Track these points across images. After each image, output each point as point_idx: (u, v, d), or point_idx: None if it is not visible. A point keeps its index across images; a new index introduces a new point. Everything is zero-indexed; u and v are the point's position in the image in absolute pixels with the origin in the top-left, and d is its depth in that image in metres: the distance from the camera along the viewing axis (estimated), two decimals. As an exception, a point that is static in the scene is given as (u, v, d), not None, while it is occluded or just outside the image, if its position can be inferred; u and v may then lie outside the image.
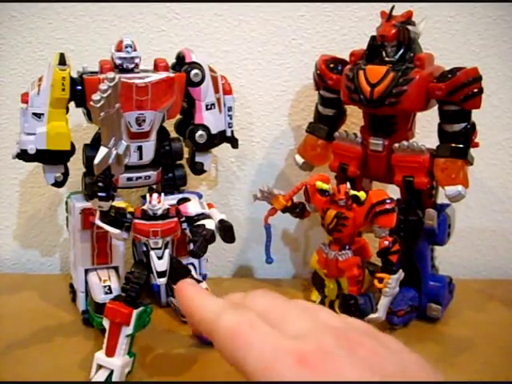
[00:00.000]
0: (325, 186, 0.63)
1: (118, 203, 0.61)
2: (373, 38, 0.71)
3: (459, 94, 0.67)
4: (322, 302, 0.72)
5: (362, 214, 0.59)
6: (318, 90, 0.78)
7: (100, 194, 0.56)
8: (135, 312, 0.59)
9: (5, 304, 0.77)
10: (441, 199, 0.72)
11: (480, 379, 0.61)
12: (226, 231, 0.62)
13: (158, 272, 0.60)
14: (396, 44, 0.69)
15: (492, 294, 0.81)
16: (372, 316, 0.64)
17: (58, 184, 0.71)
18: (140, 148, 0.70)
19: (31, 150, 0.67)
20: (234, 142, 0.77)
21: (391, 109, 0.68)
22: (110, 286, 0.69)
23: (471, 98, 0.67)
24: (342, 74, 0.73)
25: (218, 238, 0.62)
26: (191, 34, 0.85)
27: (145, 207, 0.60)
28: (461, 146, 0.68)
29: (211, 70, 0.74)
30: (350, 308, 0.66)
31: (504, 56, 0.86)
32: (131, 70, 0.69)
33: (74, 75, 0.68)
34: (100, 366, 0.59)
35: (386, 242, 0.54)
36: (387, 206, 0.61)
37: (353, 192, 0.64)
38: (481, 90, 0.67)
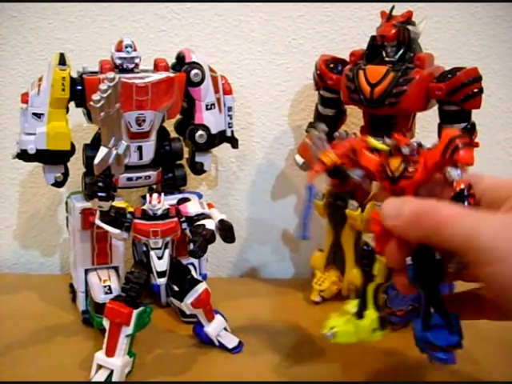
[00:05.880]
0: (379, 144, 0.50)
1: (118, 203, 0.61)
2: (373, 38, 0.71)
3: (459, 94, 0.67)
4: (362, 292, 0.52)
5: (438, 152, 0.47)
6: (317, 90, 0.78)
7: (100, 193, 0.56)
8: (135, 312, 0.59)
9: (5, 304, 0.77)
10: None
11: (480, 379, 0.61)
12: (226, 231, 0.62)
13: (157, 272, 0.60)
14: (396, 44, 0.69)
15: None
16: None
17: (58, 184, 0.71)
18: (140, 148, 0.70)
19: (31, 150, 0.67)
20: (234, 142, 0.77)
21: (391, 109, 0.68)
22: (110, 286, 0.69)
23: (471, 98, 0.67)
24: (341, 73, 0.73)
25: (218, 237, 0.62)
26: (191, 34, 0.85)
27: (145, 207, 0.60)
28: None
29: (211, 70, 0.74)
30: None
31: (504, 56, 0.86)
32: (131, 70, 0.69)
33: (74, 75, 0.68)
34: (100, 366, 0.59)
35: (463, 185, 0.43)
36: (468, 140, 0.49)
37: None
38: (481, 90, 0.68)
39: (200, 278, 0.69)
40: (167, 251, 0.60)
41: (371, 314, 0.51)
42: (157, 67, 0.72)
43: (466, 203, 0.43)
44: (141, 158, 0.71)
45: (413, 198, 0.44)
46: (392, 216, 0.42)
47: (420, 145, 0.49)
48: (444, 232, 0.38)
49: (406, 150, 0.48)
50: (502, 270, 0.35)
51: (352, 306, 0.52)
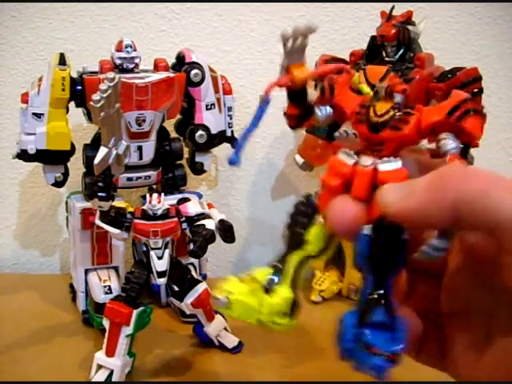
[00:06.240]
0: (363, 86, 0.39)
1: (118, 203, 0.61)
2: (373, 38, 0.71)
3: (459, 94, 0.67)
4: (281, 261, 0.36)
5: (443, 110, 0.36)
6: (317, 90, 0.78)
7: (100, 193, 0.56)
8: (135, 312, 0.59)
9: (5, 304, 0.77)
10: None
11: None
12: (226, 231, 0.62)
13: (157, 272, 0.60)
14: (396, 44, 0.69)
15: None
16: None
17: (58, 184, 0.71)
18: (140, 148, 0.70)
19: (31, 149, 0.67)
20: (233, 142, 0.77)
21: (391, 109, 0.68)
22: (110, 286, 0.69)
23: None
24: (342, 74, 0.73)
25: (218, 237, 0.62)
26: (191, 34, 0.85)
27: (145, 207, 0.60)
28: (461, 146, 0.68)
29: (211, 70, 0.74)
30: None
31: (504, 56, 0.86)
32: (131, 70, 0.69)
33: (74, 75, 0.68)
34: (100, 366, 0.59)
35: (457, 162, 0.34)
36: (482, 109, 0.38)
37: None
38: (481, 90, 0.68)
39: (200, 278, 0.69)
40: (167, 251, 0.60)
41: (285, 292, 0.35)
42: (157, 67, 0.72)
43: None
44: (141, 158, 0.71)
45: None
46: (399, 199, 0.30)
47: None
48: (495, 201, 0.27)
49: (399, 97, 0.38)
50: None
51: (265, 274, 0.36)
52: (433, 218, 0.29)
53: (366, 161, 0.34)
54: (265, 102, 0.40)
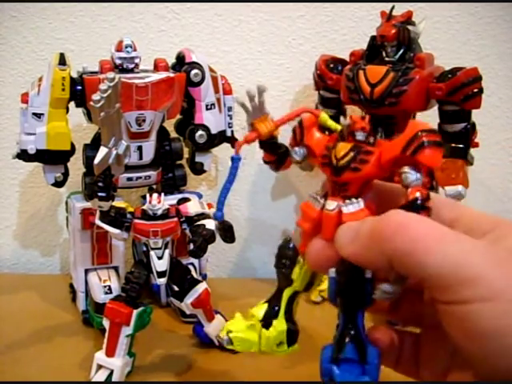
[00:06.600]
0: (331, 123, 0.39)
1: (118, 203, 0.61)
2: (373, 38, 0.71)
3: (459, 94, 0.67)
4: (274, 298, 0.42)
5: (398, 146, 0.37)
6: (317, 90, 0.78)
7: (100, 193, 0.56)
8: (135, 312, 0.59)
9: (5, 304, 0.77)
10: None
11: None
12: (226, 231, 0.62)
13: (157, 272, 0.60)
14: (396, 44, 0.69)
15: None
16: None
17: (58, 184, 0.71)
18: (140, 148, 0.70)
19: (31, 150, 0.67)
20: (233, 142, 0.77)
21: (391, 109, 0.68)
22: (110, 286, 0.69)
23: (471, 98, 0.67)
24: (341, 73, 0.73)
25: (218, 237, 0.62)
26: (191, 34, 0.85)
27: (145, 207, 0.60)
28: (461, 146, 0.68)
29: (211, 70, 0.74)
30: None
31: (504, 56, 0.86)
32: (131, 70, 0.69)
33: (74, 75, 0.68)
34: (100, 366, 0.59)
35: (418, 194, 0.34)
36: (437, 139, 0.38)
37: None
38: (481, 90, 0.68)
39: (200, 278, 0.69)
40: (167, 251, 0.60)
41: (280, 325, 0.41)
42: (157, 67, 0.72)
43: None
44: (141, 158, 0.71)
45: (373, 216, 0.33)
46: (348, 242, 0.32)
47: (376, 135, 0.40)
48: (422, 256, 0.28)
49: (360, 135, 0.38)
50: (495, 307, 0.27)
51: (260, 309, 0.41)
52: (374, 264, 0.32)
53: (331, 205, 0.36)
54: (235, 160, 0.43)
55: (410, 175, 0.35)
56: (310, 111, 0.39)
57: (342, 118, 0.37)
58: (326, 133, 0.38)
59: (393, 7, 0.70)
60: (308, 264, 0.37)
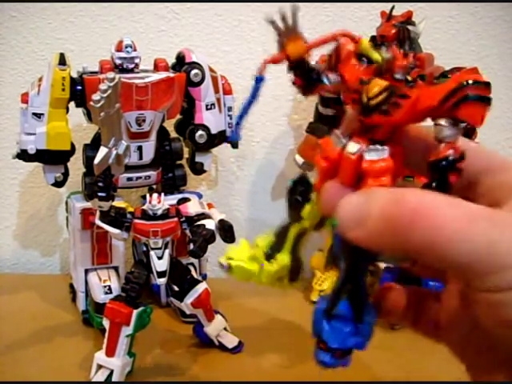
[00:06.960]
0: (373, 53, 0.36)
1: (118, 203, 0.61)
2: (373, 38, 0.71)
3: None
4: (282, 231, 0.39)
5: (438, 95, 0.33)
6: (318, 90, 0.78)
7: (100, 193, 0.56)
8: (135, 312, 0.59)
9: (5, 304, 0.77)
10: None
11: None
12: (226, 231, 0.62)
13: (157, 272, 0.60)
14: (396, 44, 0.69)
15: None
16: None
17: (58, 184, 0.71)
18: (140, 148, 0.70)
19: (31, 150, 0.67)
20: (233, 142, 0.77)
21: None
22: (110, 286, 0.69)
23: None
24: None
25: (218, 238, 0.62)
26: (191, 34, 0.85)
27: (145, 207, 0.60)
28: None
29: (211, 70, 0.74)
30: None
31: (504, 56, 0.86)
32: (131, 70, 0.69)
33: (74, 75, 0.68)
34: (100, 366, 0.59)
35: (451, 151, 0.31)
36: (486, 93, 0.35)
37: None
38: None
39: (200, 278, 0.69)
40: (167, 251, 0.60)
41: (283, 259, 0.38)
42: (157, 67, 0.72)
43: (438, 182, 0.31)
44: (141, 158, 0.71)
45: (381, 188, 0.29)
46: (353, 225, 0.28)
47: (422, 77, 0.35)
48: (445, 249, 0.25)
49: (399, 74, 0.34)
50: None
51: (267, 241, 0.39)
52: (385, 250, 0.29)
53: (353, 147, 0.33)
54: (259, 80, 0.39)
55: (446, 129, 0.33)
56: (349, 35, 0.35)
57: (383, 49, 0.33)
58: (365, 62, 0.34)
59: (393, 7, 0.70)
60: (319, 207, 0.33)
